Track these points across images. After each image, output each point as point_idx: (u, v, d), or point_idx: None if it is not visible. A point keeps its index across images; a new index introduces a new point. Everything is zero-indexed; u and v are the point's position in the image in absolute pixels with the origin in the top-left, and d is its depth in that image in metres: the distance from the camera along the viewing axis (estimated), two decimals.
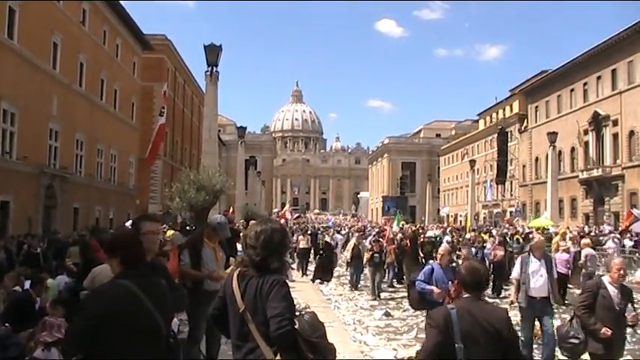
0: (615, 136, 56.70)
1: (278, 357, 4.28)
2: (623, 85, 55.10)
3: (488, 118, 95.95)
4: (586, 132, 59.75)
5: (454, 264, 10.79)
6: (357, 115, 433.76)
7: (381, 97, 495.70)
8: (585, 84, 61.99)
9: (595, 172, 58.51)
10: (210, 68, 25.42)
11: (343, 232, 35.49)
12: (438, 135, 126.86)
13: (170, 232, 15.37)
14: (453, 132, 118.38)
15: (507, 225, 45.60)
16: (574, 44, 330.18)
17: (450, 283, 9.34)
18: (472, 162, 66.28)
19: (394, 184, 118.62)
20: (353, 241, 23.04)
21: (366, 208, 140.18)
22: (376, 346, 12.16)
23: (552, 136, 42.16)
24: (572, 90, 64.91)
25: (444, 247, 11.02)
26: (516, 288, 10.69)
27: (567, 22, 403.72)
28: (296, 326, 4.38)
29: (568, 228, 34.45)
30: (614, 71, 56.77)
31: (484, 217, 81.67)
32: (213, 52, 25.22)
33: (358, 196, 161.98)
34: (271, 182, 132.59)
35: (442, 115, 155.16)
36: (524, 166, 77.50)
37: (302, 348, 4.31)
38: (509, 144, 75.40)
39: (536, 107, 74.64)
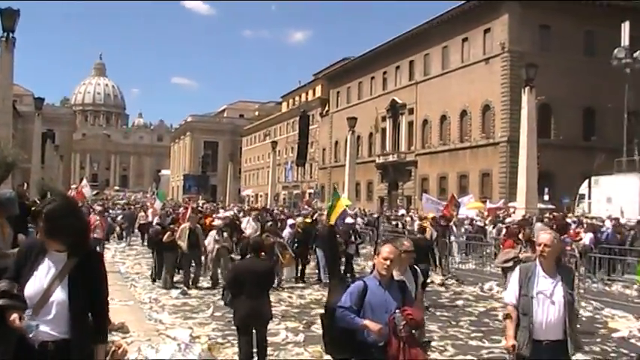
0: (410, 123, 59.69)
1: None
2: (419, 76, 58.14)
3: (291, 101, 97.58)
4: (384, 119, 62.23)
5: (402, 278, 6.18)
6: (160, 91, 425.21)
7: (185, 75, 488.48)
8: (385, 73, 64.73)
9: (391, 158, 61.29)
10: (5, 34, 23.97)
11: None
12: (242, 115, 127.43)
13: None
14: (257, 113, 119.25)
15: (306, 206, 46.27)
16: (377, 34, 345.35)
17: (396, 311, 5.46)
18: (274, 143, 66.96)
19: (196, 162, 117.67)
20: (187, 225, 17.22)
21: (167, 186, 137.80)
22: (172, 324, 11.94)
23: (352, 121, 43.32)
24: (372, 78, 67.54)
25: (389, 248, 5.70)
26: (515, 322, 5.97)
27: (371, 13, 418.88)
28: None
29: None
30: (411, 62, 59.69)
31: (284, 198, 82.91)
32: (9, 17, 23.81)
33: (159, 173, 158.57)
34: (70, 157, 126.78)
35: (246, 96, 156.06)
36: (324, 150, 79.65)
37: None
38: (310, 127, 76.89)
39: (338, 92, 76.86)
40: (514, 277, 6.20)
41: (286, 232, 19.28)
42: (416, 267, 7.09)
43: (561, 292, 5.84)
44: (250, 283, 8.40)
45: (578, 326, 7.50)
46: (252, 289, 8.40)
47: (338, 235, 18.54)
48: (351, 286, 5.72)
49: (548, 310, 5.79)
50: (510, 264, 11.42)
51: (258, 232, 19.06)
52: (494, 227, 27.10)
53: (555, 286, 5.87)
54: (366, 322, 5.41)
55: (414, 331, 5.56)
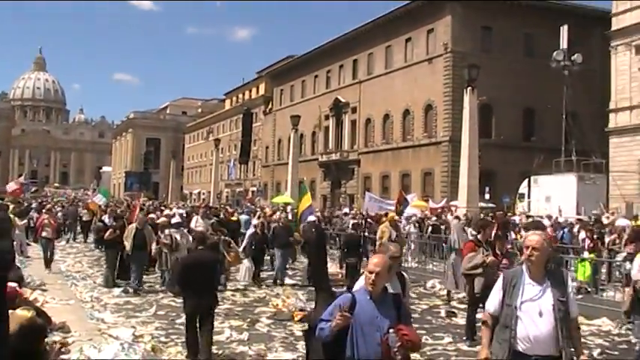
0: (354, 122, 59.91)
1: None
2: (363, 75, 58.40)
3: (234, 99, 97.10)
4: (327, 117, 62.31)
5: (398, 291, 5.66)
6: (102, 87, 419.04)
7: (128, 71, 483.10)
8: (329, 71, 64.85)
9: (334, 156, 61.42)
10: None
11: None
12: (185, 112, 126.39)
13: None
14: (200, 110, 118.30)
15: (249, 204, 45.93)
16: (321, 33, 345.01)
17: (390, 330, 4.71)
18: (217, 141, 66.33)
19: (138, 159, 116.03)
20: (135, 225, 16.27)
21: (108, 183, 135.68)
22: (114, 323, 11.80)
23: (295, 120, 43.26)
24: (316, 76, 67.58)
25: (376, 259, 5.02)
26: (490, 330, 5.45)
27: (316, 11, 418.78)
28: None
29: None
30: (355, 61, 59.91)
31: (227, 196, 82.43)
32: None
33: (101, 170, 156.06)
34: (9, 153, 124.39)
35: (189, 93, 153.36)
36: (267, 147, 79.43)
37: None
38: (253, 125, 76.51)
39: (282, 90, 76.74)
40: (497, 284, 5.46)
41: (249, 232, 18.79)
42: (403, 273, 6.51)
43: (550, 300, 5.11)
44: (197, 274, 9.05)
45: None
46: (200, 279, 9.04)
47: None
48: (338, 299, 4.98)
49: (535, 321, 5.07)
50: (479, 270, 10.72)
51: (209, 230, 18.20)
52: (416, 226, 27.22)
53: (543, 294, 5.15)
54: (332, 323, 4.68)
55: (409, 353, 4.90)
